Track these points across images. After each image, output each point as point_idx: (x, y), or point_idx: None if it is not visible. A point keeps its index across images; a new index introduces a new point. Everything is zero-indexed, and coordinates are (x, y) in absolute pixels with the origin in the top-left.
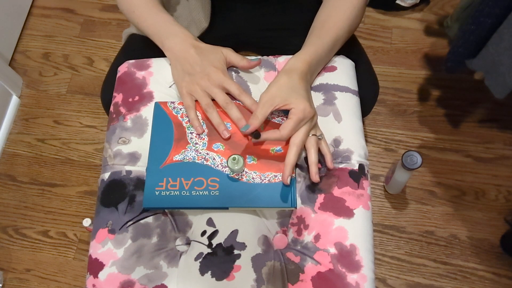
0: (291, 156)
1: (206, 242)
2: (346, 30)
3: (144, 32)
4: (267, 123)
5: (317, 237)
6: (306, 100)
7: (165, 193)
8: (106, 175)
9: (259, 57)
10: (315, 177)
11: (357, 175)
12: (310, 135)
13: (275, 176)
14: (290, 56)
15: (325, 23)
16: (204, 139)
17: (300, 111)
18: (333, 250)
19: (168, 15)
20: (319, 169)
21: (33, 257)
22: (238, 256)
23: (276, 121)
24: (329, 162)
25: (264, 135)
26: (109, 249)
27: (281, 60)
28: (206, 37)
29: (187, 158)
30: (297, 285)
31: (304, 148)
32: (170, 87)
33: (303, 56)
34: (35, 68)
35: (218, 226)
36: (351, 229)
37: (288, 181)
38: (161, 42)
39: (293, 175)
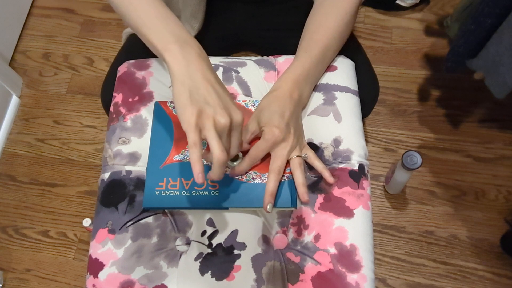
0: (270, 184)
1: (206, 242)
2: (337, 39)
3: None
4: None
5: (317, 237)
6: (277, 123)
7: (165, 193)
8: (106, 175)
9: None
10: (303, 197)
11: (357, 175)
12: (295, 156)
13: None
14: (290, 56)
15: (314, 34)
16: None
17: (267, 134)
18: (333, 250)
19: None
20: None
21: (33, 257)
22: (238, 256)
23: None
24: (328, 178)
25: (239, 168)
26: (109, 249)
27: (281, 60)
28: (206, 37)
29: (187, 158)
30: (297, 285)
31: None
32: (170, 87)
33: (287, 75)
34: (35, 68)
35: (218, 226)
36: (351, 229)
37: (269, 210)
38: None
39: (292, 175)
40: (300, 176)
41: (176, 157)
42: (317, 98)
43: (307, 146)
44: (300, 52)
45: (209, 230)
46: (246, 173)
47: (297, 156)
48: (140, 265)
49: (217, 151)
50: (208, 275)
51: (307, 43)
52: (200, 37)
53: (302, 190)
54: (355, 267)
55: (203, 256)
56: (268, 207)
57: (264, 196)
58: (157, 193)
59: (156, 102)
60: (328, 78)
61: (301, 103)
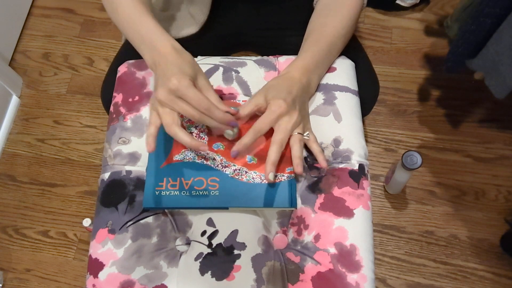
0: (271, 154)
1: (206, 242)
2: (342, 39)
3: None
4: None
5: (317, 237)
6: (284, 96)
7: (165, 193)
8: (106, 175)
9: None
10: (297, 169)
11: (357, 175)
12: (296, 133)
13: (275, 176)
14: (291, 56)
15: (321, 30)
16: (204, 138)
17: (273, 105)
18: (333, 250)
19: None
20: (319, 169)
21: (33, 257)
22: (238, 256)
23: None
24: (322, 161)
25: (243, 141)
26: (109, 249)
27: (282, 60)
28: (206, 36)
29: (187, 157)
30: (297, 285)
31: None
32: None
33: (297, 62)
34: (35, 68)
35: (218, 226)
36: (351, 229)
37: (271, 178)
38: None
39: (293, 175)
40: (298, 150)
41: (176, 157)
42: (317, 98)
43: (311, 129)
44: (308, 45)
45: (209, 230)
46: (246, 172)
47: (298, 133)
48: (140, 265)
49: (185, 141)
50: (208, 275)
51: (314, 38)
52: (200, 36)
53: (297, 161)
54: (355, 267)
55: (203, 256)
56: (270, 175)
57: (265, 166)
58: (157, 193)
59: None
60: (328, 78)
61: (309, 90)
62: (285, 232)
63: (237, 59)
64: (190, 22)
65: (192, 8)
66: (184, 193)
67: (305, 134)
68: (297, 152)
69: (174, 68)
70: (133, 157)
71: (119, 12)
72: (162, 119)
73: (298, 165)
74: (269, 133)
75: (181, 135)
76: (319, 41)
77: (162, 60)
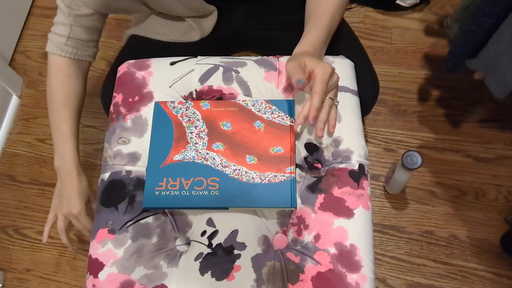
0: (315, 101)
1: (206, 242)
2: (339, 10)
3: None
4: (268, 123)
5: (317, 237)
6: (321, 61)
7: (165, 193)
8: (106, 175)
9: None
10: (319, 132)
11: (357, 175)
12: (327, 97)
13: (275, 176)
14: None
15: (318, 7)
16: (204, 138)
17: (321, 69)
18: (333, 250)
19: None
20: (319, 169)
21: (33, 257)
22: (238, 256)
23: (276, 121)
24: (331, 127)
25: (300, 117)
26: (109, 249)
27: (283, 61)
28: (207, 37)
29: (187, 158)
30: (297, 285)
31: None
32: (170, 87)
33: (306, 41)
34: (35, 68)
35: (218, 226)
36: (351, 229)
37: (312, 123)
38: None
39: (293, 175)
40: (324, 113)
41: (176, 157)
42: None
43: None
44: (311, 24)
45: (209, 230)
46: (246, 172)
47: (330, 97)
48: (140, 265)
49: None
50: (208, 275)
51: (314, 16)
52: (201, 39)
53: (320, 125)
54: (355, 267)
55: (203, 256)
56: (311, 120)
57: (309, 114)
58: (157, 193)
59: (156, 102)
60: None
61: None
62: (285, 232)
63: (237, 59)
64: (195, 32)
65: (201, 22)
66: (184, 193)
67: (335, 101)
68: (323, 116)
69: (75, 195)
70: (133, 157)
71: (48, 107)
72: (57, 222)
73: (321, 129)
74: (268, 133)
75: (62, 239)
76: (319, 18)
77: (64, 177)
